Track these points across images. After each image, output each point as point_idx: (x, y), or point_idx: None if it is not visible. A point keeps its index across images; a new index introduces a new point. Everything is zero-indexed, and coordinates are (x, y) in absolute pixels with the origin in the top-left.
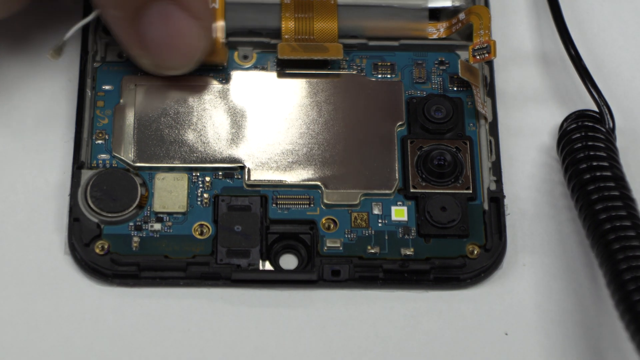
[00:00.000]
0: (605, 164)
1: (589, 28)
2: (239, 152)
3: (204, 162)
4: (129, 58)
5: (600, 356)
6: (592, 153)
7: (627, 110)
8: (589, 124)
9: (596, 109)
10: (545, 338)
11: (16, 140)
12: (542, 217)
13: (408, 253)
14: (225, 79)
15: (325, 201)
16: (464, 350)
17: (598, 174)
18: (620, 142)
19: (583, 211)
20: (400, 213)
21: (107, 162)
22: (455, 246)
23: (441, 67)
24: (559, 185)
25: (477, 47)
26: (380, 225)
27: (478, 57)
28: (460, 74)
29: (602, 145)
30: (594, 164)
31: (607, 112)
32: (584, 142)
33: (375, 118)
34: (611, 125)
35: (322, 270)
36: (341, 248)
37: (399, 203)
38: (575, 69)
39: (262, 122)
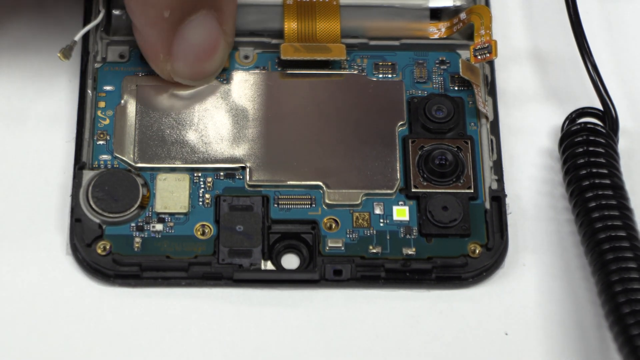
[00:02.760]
0: (605, 171)
1: (598, 27)
2: (240, 152)
3: (206, 163)
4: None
5: (600, 356)
6: (592, 159)
7: (633, 110)
8: (592, 125)
9: (599, 107)
10: (545, 338)
11: (17, 141)
12: (543, 217)
13: (410, 252)
14: (226, 79)
15: (327, 201)
16: (464, 350)
17: (597, 181)
18: (625, 144)
19: (580, 217)
20: (401, 213)
21: (109, 162)
22: (456, 245)
23: (442, 67)
24: (560, 185)
25: (478, 47)
26: (381, 225)
27: (479, 57)
28: (461, 74)
29: (603, 150)
30: (594, 170)
31: (612, 110)
32: (585, 147)
33: (376, 118)
34: (614, 122)
35: (323, 270)
36: (343, 248)
37: (400, 203)
38: (585, 65)
39: (263, 122)
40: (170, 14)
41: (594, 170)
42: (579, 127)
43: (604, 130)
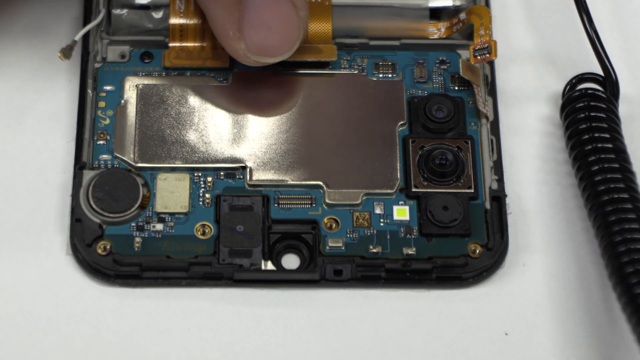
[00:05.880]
0: (607, 135)
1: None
2: (240, 152)
3: (206, 162)
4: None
5: (601, 356)
6: (594, 124)
7: (634, 76)
8: (592, 91)
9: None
10: (545, 338)
11: (17, 141)
12: (543, 217)
13: (410, 252)
14: (226, 79)
15: (327, 201)
16: (464, 350)
17: (599, 145)
18: (626, 109)
19: (583, 181)
20: (402, 212)
21: (109, 162)
22: (457, 245)
23: (442, 67)
24: (560, 185)
25: (477, 47)
26: (382, 224)
27: (479, 58)
28: (461, 73)
29: (604, 115)
30: (596, 135)
31: (612, 75)
32: (587, 112)
33: (376, 118)
34: (615, 88)
35: (324, 270)
36: (343, 248)
37: (400, 202)
38: (585, 30)
39: (263, 121)
40: None
41: (597, 134)
42: (579, 93)
43: (604, 95)
